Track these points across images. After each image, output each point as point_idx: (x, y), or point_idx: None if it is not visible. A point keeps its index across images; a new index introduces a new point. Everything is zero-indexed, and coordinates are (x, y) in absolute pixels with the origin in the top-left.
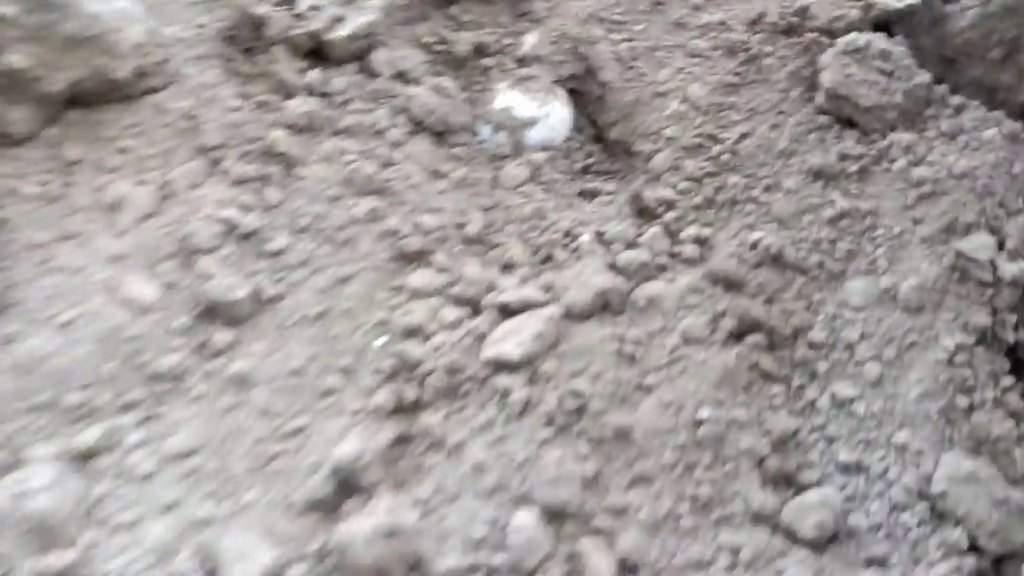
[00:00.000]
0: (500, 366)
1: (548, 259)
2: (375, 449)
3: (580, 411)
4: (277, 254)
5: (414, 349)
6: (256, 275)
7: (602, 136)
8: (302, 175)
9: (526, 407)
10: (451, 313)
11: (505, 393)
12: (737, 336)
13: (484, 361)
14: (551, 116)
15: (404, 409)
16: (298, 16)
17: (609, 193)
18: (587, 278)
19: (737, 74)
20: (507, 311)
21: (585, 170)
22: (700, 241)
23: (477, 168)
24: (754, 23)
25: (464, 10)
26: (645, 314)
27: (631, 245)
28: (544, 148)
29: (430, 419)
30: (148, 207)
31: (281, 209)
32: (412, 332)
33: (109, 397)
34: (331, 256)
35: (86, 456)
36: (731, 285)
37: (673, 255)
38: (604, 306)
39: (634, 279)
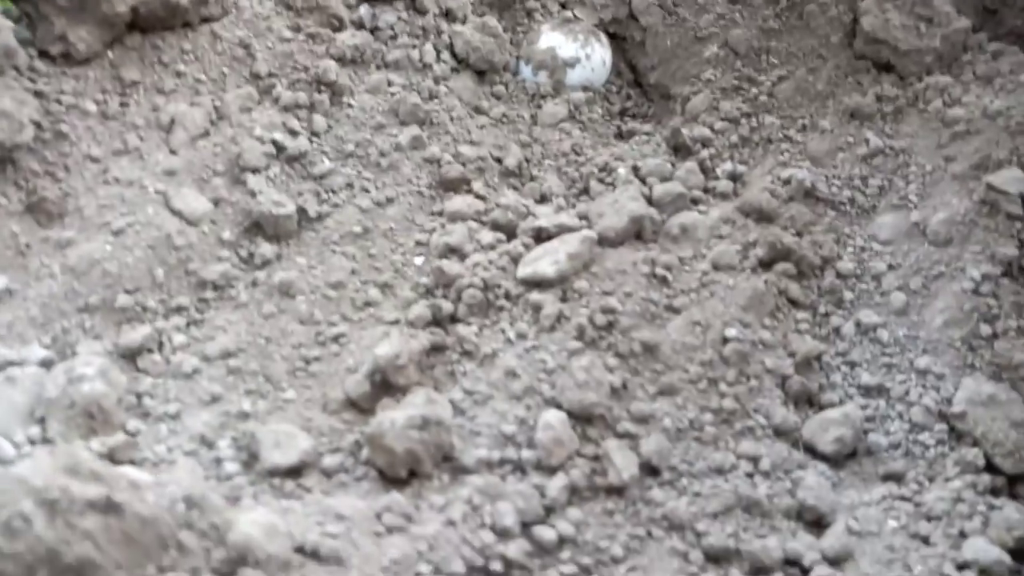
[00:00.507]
0: (534, 283)
1: (584, 191)
2: (411, 351)
3: (610, 326)
4: (322, 177)
5: (451, 267)
6: (302, 195)
7: (641, 80)
8: (349, 104)
9: (558, 321)
10: (488, 236)
11: (538, 308)
12: (766, 264)
13: (519, 279)
14: (592, 58)
15: (440, 321)
16: None
17: (646, 134)
18: (622, 205)
19: (778, 19)
20: (542, 236)
21: (623, 112)
22: (734, 177)
23: (517, 105)
24: None
25: None
26: (677, 242)
27: (666, 179)
28: (584, 89)
29: (465, 330)
30: (201, 127)
31: (328, 135)
32: (450, 251)
33: (157, 301)
34: (374, 180)
35: (135, 353)
36: (763, 217)
37: (707, 189)
38: (638, 233)
39: (668, 210)
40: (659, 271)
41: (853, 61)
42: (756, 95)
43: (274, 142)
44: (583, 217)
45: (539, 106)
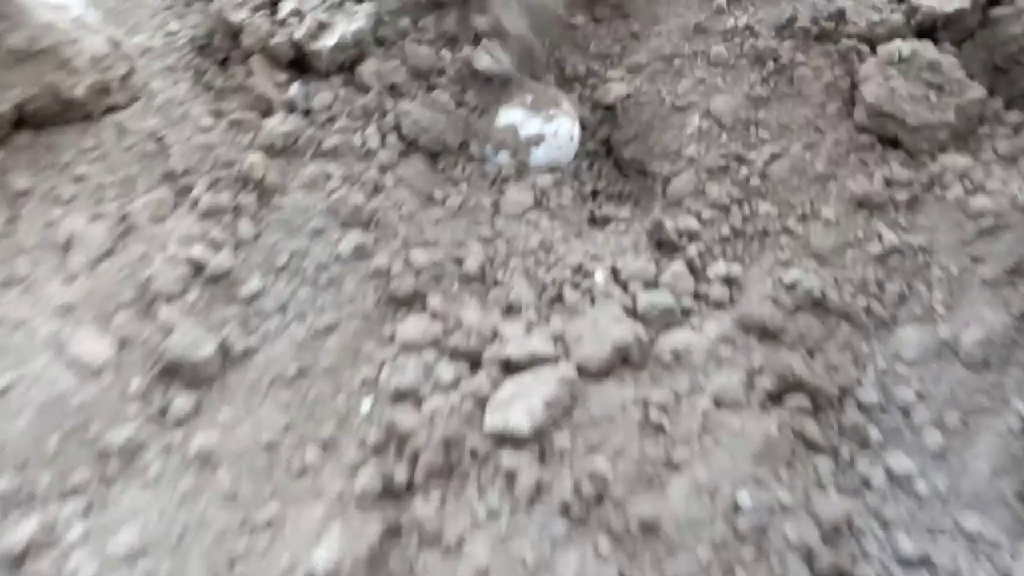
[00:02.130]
0: (505, 440)
1: (557, 299)
2: (357, 557)
3: (600, 498)
4: (250, 299)
5: (405, 417)
6: (225, 325)
7: (614, 154)
8: (280, 205)
9: (536, 493)
10: (447, 371)
11: (511, 476)
12: (776, 397)
13: (487, 431)
14: (558, 133)
15: (393, 493)
16: (279, 23)
17: (623, 220)
18: (603, 328)
19: (766, 85)
20: (512, 367)
21: (595, 193)
22: (729, 281)
23: (476, 192)
24: (783, 28)
25: None
26: (670, 370)
27: (651, 284)
28: (551, 170)
29: (423, 508)
30: (104, 245)
31: (256, 245)
32: (402, 395)
33: (49, 479)
34: (312, 301)
35: (19, 558)
36: (766, 334)
37: (698, 296)
38: (624, 359)
39: (656, 326)
40: (653, 415)
41: (855, 135)
42: (747, 176)
43: (191, 260)
44: (558, 339)
45: (501, 191)
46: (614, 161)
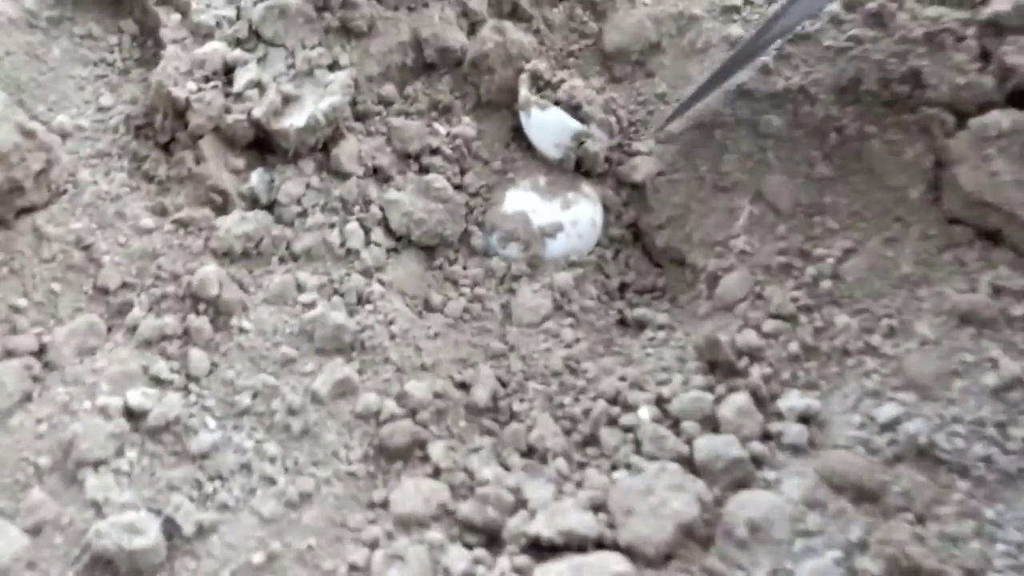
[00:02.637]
0: None
1: (591, 441)
2: None
3: None
4: (204, 457)
5: None
6: (170, 494)
7: (643, 241)
8: (241, 327)
9: None
10: (460, 559)
11: None
12: None
13: None
14: (579, 222)
15: None
16: (235, 96)
17: (661, 327)
18: (661, 499)
19: (829, 163)
20: (541, 547)
21: (624, 288)
22: (806, 417)
23: (482, 295)
24: (845, 91)
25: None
26: (748, 551)
27: (709, 422)
28: (570, 263)
29: None
30: (16, 392)
31: (211, 383)
32: None
33: None
34: (281, 458)
35: None
36: (863, 494)
37: (768, 436)
38: (687, 535)
39: (721, 483)
40: None
41: (946, 228)
42: (815, 278)
43: (128, 408)
44: (599, 507)
45: (512, 292)
46: (643, 249)
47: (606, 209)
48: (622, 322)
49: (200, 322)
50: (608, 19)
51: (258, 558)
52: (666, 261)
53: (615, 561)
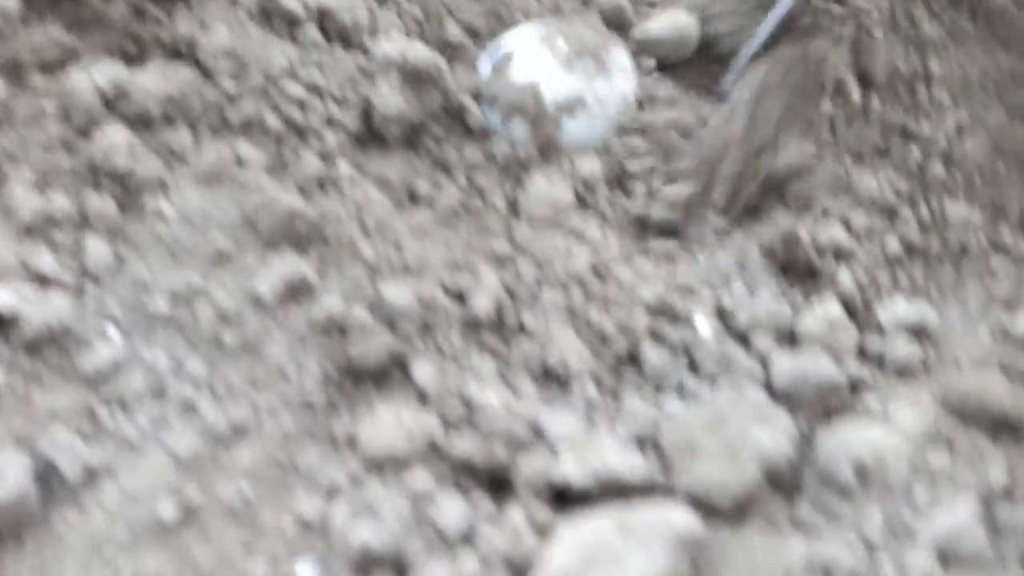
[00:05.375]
0: None
1: (629, 361)
2: None
3: None
4: (98, 378)
5: None
6: (51, 427)
7: None
8: (161, 213)
9: None
10: (454, 509)
11: None
12: None
13: None
14: (606, 97)
15: None
16: None
17: (715, 230)
18: (738, 428)
19: (937, 21)
20: (569, 499)
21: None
22: (917, 331)
23: (481, 184)
24: None
25: None
26: (853, 500)
27: (786, 339)
28: (597, 151)
29: None
30: None
31: (114, 283)
32: (372, 561)
33: None
34: (209, 380)
35: None
36: (1003, 425)
37: (866, 355)
38: (772, 482)
39: (810, 413)
40: None
41: None
42: (921, 163)
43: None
44: (647, 441)
45: (519, 182)
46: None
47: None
48: (662, 224)
49: (103, 203)
50: None
51: (169, 511)
52: None
53: (677, 513)
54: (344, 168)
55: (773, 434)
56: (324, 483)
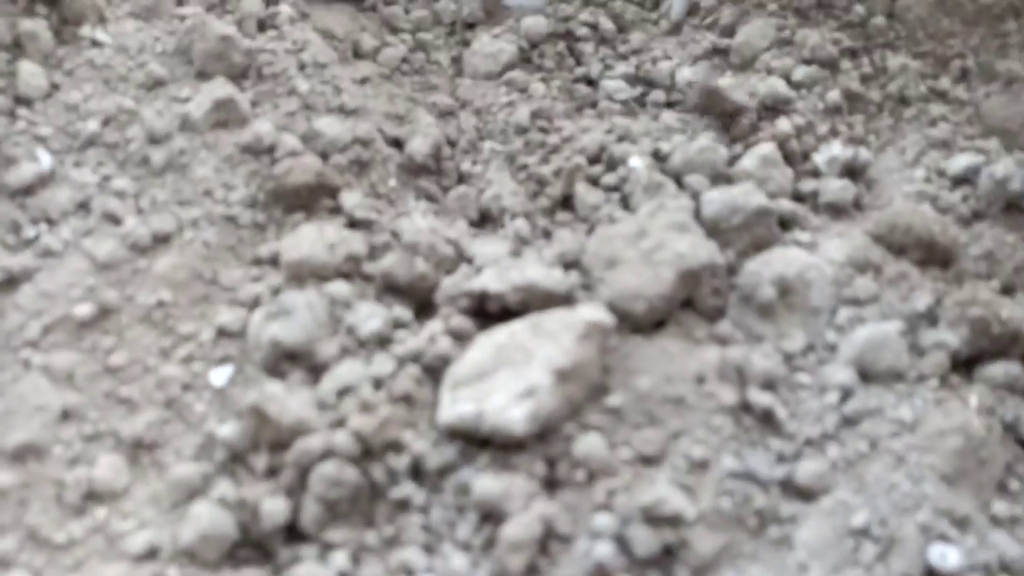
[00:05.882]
0: (478, 446)
1: (563, 203)
2: None
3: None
4: (23, 192)
5: (289, 403)
6: None
7: None
8: (96, 40)
9: (543, 555)
10: (372, 315)
11: (488, 517)
12: (968, 364)
13: (444, 427)
14: None
15: (257, 544)
16: None
17: (659, 86)
18: (658, 241)
19: None
20: (490, 312)
21: (614, 43)
22: (852, 171)
23: (426, 44)
24: None
25: None
26: (774, 318)
27: (722, 178)
28: (541, 10)
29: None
30: None
31: (46, 107)
32: (287, 356)
33: None
34: (135, 195)
35: None
36: (933, 254)
37: (800, 197)
38: (690, 299)
39: (738, 244)
40: (755, 398)
41: None
42: (864, 17)
43: None
44: (572, 263)
45: (464, 42)
46: None
47: None
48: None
49: (37, 28)
50: None
51: (84, 310)
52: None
53: (589, 309)
54: (286, 10)
55: (693, 240)
56: (244, 297)
